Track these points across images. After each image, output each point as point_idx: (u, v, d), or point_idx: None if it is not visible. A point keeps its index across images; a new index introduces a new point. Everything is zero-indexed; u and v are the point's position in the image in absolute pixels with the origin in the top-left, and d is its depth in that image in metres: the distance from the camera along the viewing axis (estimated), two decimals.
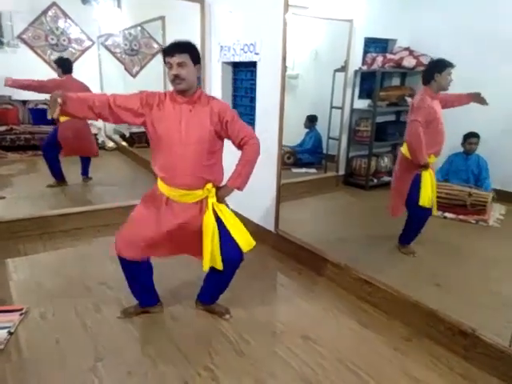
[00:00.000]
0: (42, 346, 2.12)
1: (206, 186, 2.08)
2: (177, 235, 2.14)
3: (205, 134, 2.00)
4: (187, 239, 2.17)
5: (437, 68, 2.85)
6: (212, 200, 2.11)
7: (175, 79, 1.93)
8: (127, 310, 2.40)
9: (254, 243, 2.21)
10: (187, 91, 1.99)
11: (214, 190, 2.11)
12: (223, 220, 2.13)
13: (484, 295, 2.57)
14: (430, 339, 2.24)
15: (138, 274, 2.26)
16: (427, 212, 2.97)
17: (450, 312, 2.20)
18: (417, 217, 3.02)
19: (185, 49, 1.94)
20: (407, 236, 3.12)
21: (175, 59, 1.91)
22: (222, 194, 2.12)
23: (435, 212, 3.03)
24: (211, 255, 2.11)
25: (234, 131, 2.04)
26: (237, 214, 3.58)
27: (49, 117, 1.84)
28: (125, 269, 2.23)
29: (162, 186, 2.10)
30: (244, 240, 2.16)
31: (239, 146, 2.10)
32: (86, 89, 4.47)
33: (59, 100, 1.84)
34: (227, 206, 2.22)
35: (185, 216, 2.10)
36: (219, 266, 2.15)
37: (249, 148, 2.08)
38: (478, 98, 2.84)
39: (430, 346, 2.20)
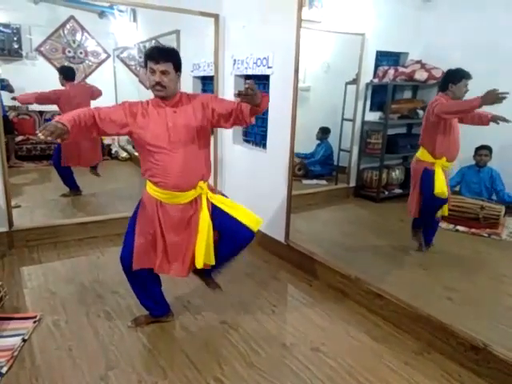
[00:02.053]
0: (55, 354, 2.15)
1: (198, 185, 2.10)
2: (170, 237, 2.15)
3: (193, 130, 2.03)
4: (180, 240, 2.16)
5: (452, 78, 2.86)
6: (205, 196, 2.13)
7: (156, 86, 1.96)
8: (138, 318, 2.43)
9: (261, 221, 2.22)
10: (168, 97, 2.03)
11: (205, 186, 2.13)
12: (223, 208, 2.15)
13: (496, 310, 2.54)
14: (441, 354, 2.22)
15: (146, 285, 2.28)
16: (441, 201, 2.98)
17: (461, 326, 2.17)
18: (431, 204, 3.03)
19: (170, 57, 1.97)
20: (422, 222, 3.16)
21: (159, 66, 1.94)
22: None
23: (446, 212, 3.04)
24: (205, 252, 2.12)
25: (222, 104, 2.04)
26: None
27: (40, 135, 1.62)
28: (133, 282, 2.26)
29: (154, 191, 2.11)
30: (250, 220, 2.17)
31: (237, 113, 1.96)
32: (91, 92, 4.56)
33: (65, 137, 1.74)
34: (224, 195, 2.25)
35: (179, 216, 2.12)
36: (212, 261, 2.17)
37: None
38: (493, 95, 2.52)
39: (442, 360, 2.18)
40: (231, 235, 2.20)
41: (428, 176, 2.96)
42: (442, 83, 2.93)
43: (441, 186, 2.91)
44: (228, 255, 2.30)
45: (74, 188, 4.67)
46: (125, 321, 2.43)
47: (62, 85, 4.48)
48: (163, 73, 1.95)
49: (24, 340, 2.21)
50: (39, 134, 1.62)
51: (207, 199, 2.15)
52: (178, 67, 2.02)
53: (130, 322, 2.41)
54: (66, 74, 4.49)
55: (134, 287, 2.29)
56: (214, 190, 2.26)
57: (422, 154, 3.02)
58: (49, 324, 2.40)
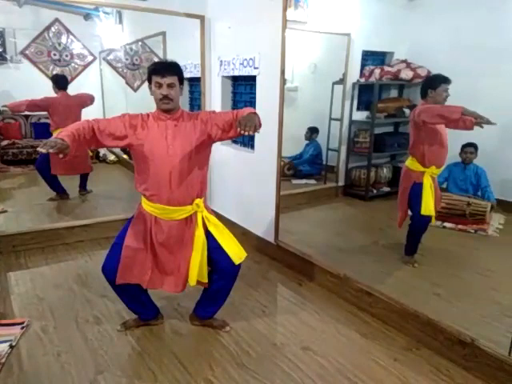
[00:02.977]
0: (44, 359, 2.12)
1: (194, 201, 2.10)
2: (163, 255, 2.15)
3: (191, 145, 2.04)
4: (173, 257, 2.16)
5: (431, 84, 2.86)
6: (201, 214, 2.13)
7: (164, 99, 1.98)
8: (127, 322, 2.42)
9: (244, 255, 2.21)
10: (172, 110, 2.04)
11: (202, 204, 2.13)
12: (213, 233, 2.15)
13: (483, 305, 2.57)
14: (429, 349, 2.24)
15: (132, 294, 2.25)
16: (427, 219, 2.99)
17: (449, 322, 2.20)
18: (418, 224, 3.02)
19: (175, 71, 1.99)
20: (411, 245, 3.12)
21: (166, 80, 1.95)
22: (248, 117, 1.86)
23: (433, 221, 3.05)
24: (199, 270, 2.12)
25: (220, 118, 2.07)
26: (237, 226, 3.65)
27: (41, 150, 1.63)
28: (118, 292, 2.23)
29: (149, 206, 2.10)
30: (234, 252, 2.16)
31: (234, 121, 2.00)
32: (82, 102, 4.52)
33: (67, 151, 1.72)
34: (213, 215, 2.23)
35: (173, 233, 2.12)
36: (205, 279, 2.18)
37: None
38: (475, 114, 2.54)
39: (430, 356, 2.20)
40: (216, 266, 2.19)
41: (416, 193, 2.93)
42: (421, 90, 2.92)
43: (427, 207, 2.90)
44: (217, 290, 2.29)
45: (60, 192, 4.63)
46: (114, 325, 2.42)
47: (56, 93, 4.44)
48: (170, 86, 1.97)
49: (11, 346, 2.19)
50: (41, 149, 1.62)
51: (202, 218, 2.14)
52: (181, 80, 2.04)
53: (120, 326, 2.39)
54: (59, 82, 4.44)
55: (120, 296, 2.26)
56: (209, 208, 2.24)
57: (411, 163, 3.00)
58: (37, 330, 2.37)
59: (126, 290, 2.21)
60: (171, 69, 1.99)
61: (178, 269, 2.17)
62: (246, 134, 1.81)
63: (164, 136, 2.02)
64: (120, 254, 2.10)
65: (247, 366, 2.12)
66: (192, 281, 2.14)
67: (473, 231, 3.62)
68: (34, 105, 4.28)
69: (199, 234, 2.12)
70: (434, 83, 2.84)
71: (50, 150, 1.63)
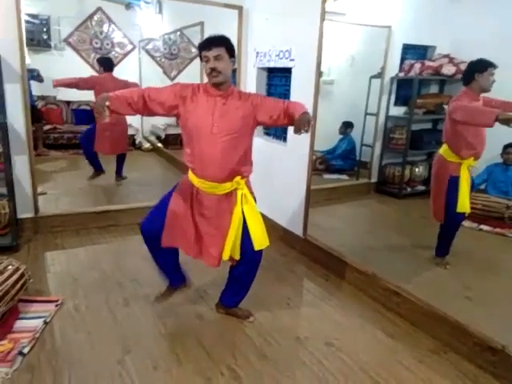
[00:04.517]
0: (75, 337, 2.22)
1: (234, 179, 2.11)
2: (202, 225, 2.18)
3: (237, 125, 2.04)
4: (211, 229, 2.18)
5: (478, 67, 2.72)
6: (241, 192, 2.14)
7: (212, 72, 1.97)
8: (161, 294, 2.49)
9: (267, 244, 2.22)
10: (222, 84, 2.03)
11: (242, 182, 2.13)
12: (246, 215, 2.15)
13: None
14: (457, 354, 2.18)
15: (166, 255, 2.30)
16: (462, 216, 2.89)
17: (479, 327, 2.13)
18: (452, 222, 2.93)
19: (221, 42, 1.98)
20: (443, 246, 3.02)
21: (212, 53, 1.95)
22: (301, 119, 1.90)
23: (469, 222, 2.94)
24: (233, 245, 2.15)
25: (270, 106, 2.08)
26: (265, 217, 3.64)
27: (101, 121, 1.94)
28: (153, 251, 2.28)
29: (192, 177, 2.15)
30: (258, 237, 2.17)
31: (285, 114, 2.04)
32: (126, 85, 4.65)
33: (107, 103, 1.92)
34: (254, 198, 2.24)
35: (213, 207, 2.15)
36: (237, 255, 2.19)
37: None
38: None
39: (457, 360, 2.15)
40: (241, 247, 2.20)
41: (453, 187, 2.82)
42: (465, 76, 2.78)
43: (464, 204, 2.80)
44: (239, 275, 2.31)
45: (98, 167, 4.86)
46: (143, 307, 2.49)
47: (100, 74, 4.65)
48: (216, 58, 1.96)
49: (46, 322, 2.29)
50: (102, 121, 1.93)
51: (242, 196, 2.15)
52: (230, 52, 2.02)
53: (155, 299, 2.48)
54: (105, 64, 4.65)
55: (155, 256, 2.31)
56: (251, 189, 2.25)
57: (446, 153, 2.86)
58: (70, 308, 2.47)
59: (161, 253, 2.26)
60: (216, 41, 1.98)
61: (215, 242, 2.20)
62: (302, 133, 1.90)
63: (211, 112, 2.03)
64: (162, 216, 2.16)
65: (269, 356, 2.14)
66: (226, 255, 2.17)
67: (511, 235, 3.47)
68: (83, 81, 4.51)
69: (237, 211, 2.13)
70: (482, 66, 2.70)
71: (108, 117, 1.93)
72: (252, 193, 2.24)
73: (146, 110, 2.07)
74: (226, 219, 2.15)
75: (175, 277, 2.46)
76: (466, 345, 2.15)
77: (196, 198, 2.17)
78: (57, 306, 2.46)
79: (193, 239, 2.20)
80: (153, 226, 2.18)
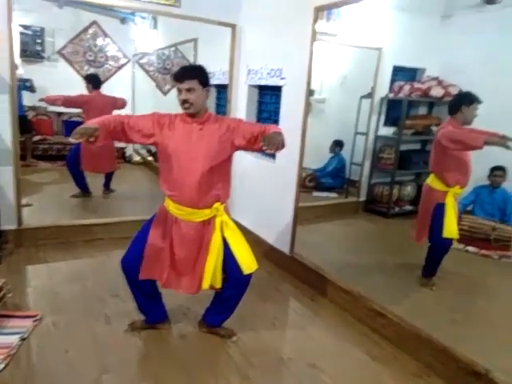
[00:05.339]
0: (52, 355, 2.15)
1: (213, 205, 2.10)
2: (181, 254, 2.15)
3: (214, 150, 2.05)
4: (189, 258, 2.16)
5: (465, 100, 2.82)
6: (220, 218, 2.13)
7: (184, 103, 2.01)
8: (135, 323, 2.43)
9: (255, 267, 2.19)
10: (196, 113, 2.05)
11: (221, 208, 2.13)
12: (229, 239, 2.14)
13: (502, 334, 2.47)
14: (440, 378, 2.16)
15: (147, 292, 2.27)
16: (449, 241, 2.91)
17: (464, 350, 2.11)
18: (439, 246, 2.95)
19: (194, 75, 2.01)
20: (430, 268, 3.03)
21: (184, 85, 1.98)
22: (273, 136, 1.87)
23: (455, 243, 2.95)
24: (213, 274, 2.12)
25: (246, 129, 2.07)
26: (252, 234, 3.63)
27: (72, 139, 1.79)
28: (134, 287, 2.25)
29: (170, 205, 2.14)
30: (245, 261, 2.14)
31: (259, 135, 2.00)
32: (114, 102, 4.65)
33: (96, 133, 1.85)
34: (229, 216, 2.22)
35: (192, 235, 2.12)
36: (218, 284, 2.16)
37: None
38: (500, 143, 2.49)
39: None
40: (228, 273, 2.18)
41: (439, 214, 2.86)
42: (452, 106, 2.87)
43: (450, 229, 2.83)
44: (227, 298, 2.28)
45: (84, 190, 4.73)
46: (123, 325, 2.43)
47: (89, 92, 4.60)
48: (188, 90, 1.99)
49: (23, 339, 2.23)
50: (71, 139, 1.76)
51: (221, 223, 2.14)
52: (204, 83, 2.04)
53: (127, 326, 2.41)
54: (93, 82, 4.62)
55: (134, 292, 2.29)
56: (229, 214, 2.24)
57: (433, 181, 2.94)
58: (48, 324, 2.41)
59: (141, 287, 2.23)
60: (188, 73, 2.01)
61: (193, 270, 2.17)
62: (268, 151, 1.85)
63: (188, 138, 2.05)
64: (141, 250, 2.14)
65: (251, 378, 2.09)
66: (205, 284, 2.14)
67: (497, 257, 3.48)
68: (70, 101, 4.46)
69: (216, 238, 2.12)
70: (468, 100, 2.80)
71: (80, 139, 1.77)
72: (230, 217, 2.23)
73: (124, 137, 2.08)
74: (205, 247, 2.13)
75: (154, 313, 2.40)
76: (450, 368, 2.12)
77: (174, 227, 2.14)
78: (35, 321, 2.40)
79: (171, 270, 2.17)
80: (133, 260, 2.15)
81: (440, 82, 4.19)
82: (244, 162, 3.88)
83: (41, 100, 4.54)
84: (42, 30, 5.86)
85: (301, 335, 2.52)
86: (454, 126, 2.82)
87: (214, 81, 4.50)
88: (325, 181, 4.80)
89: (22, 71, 5.34)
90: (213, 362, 2.21)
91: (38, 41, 5.84)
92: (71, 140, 1.75)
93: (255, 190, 3.81)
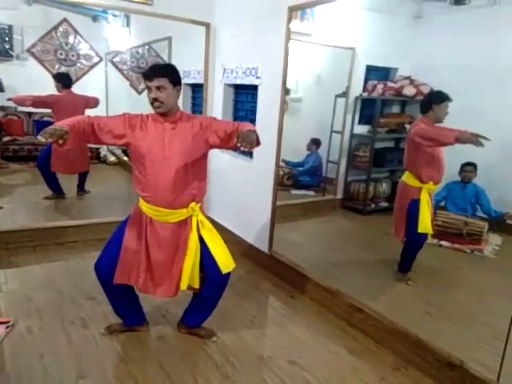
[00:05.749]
0: (26, 361, 2.09)
1: (189, 205, 2.08)
2: (157, 256, 2.11)
3: (188, 148, 2.02)
4: (166, 260, 2.13)
5: (436, 99, 2.89)
6: (196, 218, 2.11)
7: (154, 102, 1.97)
8: (112, 326, 2.38)
9: (233, 266, 2.19)
10: (167, 113, 2.02)
11: (197, 208, 2.11)
12: (205, 239, 2.13)
13: (476, 327, 2.54)
14: (417, 370, 2.21)
15: (122, 296, 2.23)
16: (424, 237, 2.98)
17: (439, 342, 2.17)
18: (414, 242, 3.01)
19: (163, 73, 1.97)
20: (405, 263, 3.09)
21: (153, 83, 1.94)
22: (247, 134, 1.85)
23: (429, 238, 3.03)
24: (190, 274, 2.10)
25: (220, 127, 2.05)
26: (230, 233, 3.63)
27: (41, 138, 1.68)
28: (108, 292, 2.20)
29: (144, 207, 2.09)
30: (223, 260, 2.14)
31: (233, 133, 1.98)
32: (86, 101, 4.54)
33: (66, 137, 1.78)
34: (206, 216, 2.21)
35: (168, 236, 2.10)
36: (196, 284, 2.15)
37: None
38: (471, 140, 2.49)
39: (418, 376, 2.17)
40: (205, 273, 2.17)
41: (413, 210, 2.92)
42: (424, 105, 2.94)
43: (425, 224, 2.89)
44: (206, 298, 2.26)
45: (57, 191, 4.61)
46: (100, 328, 2.38)
47: (59, 91, 4.45)
48: (158, 88, 1.95)
49: None
50: (40, 138, 1.66)
51: (197, 222, 2.12)
52: (175, 82, 2.00)
53: (104, 330, 2.36)
54: (63, 80, 4.47)
55: (109, 296, 2.24)
56: (205, 214, 2.21)
57: (408, 178, 3.00)
58: (22, 330, 2.34)
59: (116, 291, 2.18)
60: (158, 71, 1.97)
61: (170, 273, 2.14)
62: (242, 149, 1.82)
63: (161, 138, 2.01)
64: (116, 253, 2.09)
65: (231, 377, 2.09)
66: (183, 285, 2.12)
67: (469, 251, 3.58)
68: (39, 101, 4.32)
69: (193, 238, 2.10)
70: (439, 98, 2.87)
71: (50, 140, 1.68)
72: (206, 216, 2.22)
73: (94, 140, 2.01)
74: (182, 248, 2.11)
75: (131, 316, 2.36)
76: (427, 361, 2.17)
77: (149, 228, 2.10)
78: (7, 327, 2.32)
79: (147, 274, 2.13)
80: (107, 264, 2.10)
81: (412, 81, 4.27)
82: (221, 161, 3.87)
83: (9, 100, 4.39)
84: (10, 27, 5.68)
85: (280, 333, 2.53)
86: (426, 124, 2.89)
87: (189, 80, 4.47)
88: (302, 179, 4.83)
89: None
90: (193, 362, 2.19)
91: (6, 39, 5.66)
92: (39, 139, 1.67)
93: (233, 189, 3.81)
